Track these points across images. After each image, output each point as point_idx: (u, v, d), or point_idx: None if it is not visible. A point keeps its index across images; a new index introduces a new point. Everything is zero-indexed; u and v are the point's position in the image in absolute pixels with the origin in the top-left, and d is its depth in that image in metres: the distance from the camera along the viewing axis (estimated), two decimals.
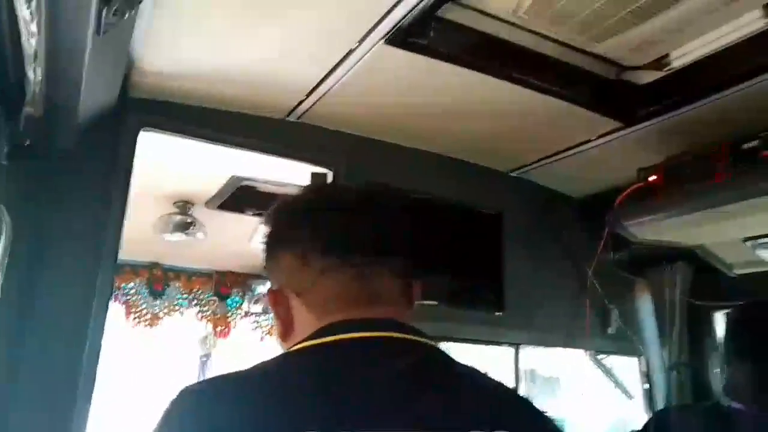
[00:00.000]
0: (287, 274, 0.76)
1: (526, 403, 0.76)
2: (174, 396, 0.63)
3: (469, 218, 1.85)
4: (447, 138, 1.69)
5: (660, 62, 1.35)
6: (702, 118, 1.40)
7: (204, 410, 0.61)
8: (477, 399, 0.68)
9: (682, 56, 1.30)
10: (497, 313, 1.82)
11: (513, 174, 1.90)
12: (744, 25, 1.19)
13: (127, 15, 0.92)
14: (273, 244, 0.79)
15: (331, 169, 1.60)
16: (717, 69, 1.30)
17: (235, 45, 1.25)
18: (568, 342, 1.98)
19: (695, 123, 1.43)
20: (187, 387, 0.64)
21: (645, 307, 2.03)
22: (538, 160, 1.78)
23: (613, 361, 2.09)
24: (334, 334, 0.69)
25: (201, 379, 2.48)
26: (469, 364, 0.75)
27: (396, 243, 0.79)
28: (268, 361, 0.67)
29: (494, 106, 1.48)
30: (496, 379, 0.76)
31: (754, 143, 1.30)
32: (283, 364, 0.68)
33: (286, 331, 0.76)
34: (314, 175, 1.61)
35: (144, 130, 1.41)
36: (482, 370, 0.76)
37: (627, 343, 2.01)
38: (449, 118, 1.57)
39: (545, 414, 0.74)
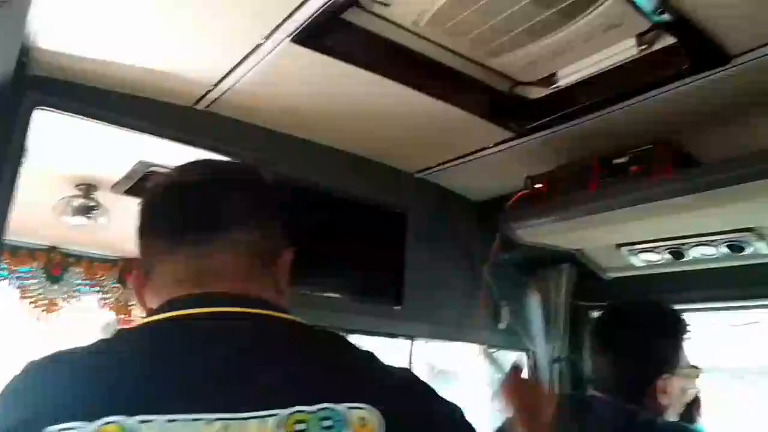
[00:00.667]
0: (140, 255, 0.77)
1: (403, 380, 0.71)
2: (20, 367, 0.63)
3: (375, 215, 1.92)
4: (355, 137, 1.74)
5: (548, 80, 1.47)
6: (584, 133, 1.54)
7: (36, 384, 0.61)
8: (326, 372, 0.65)
9: (567, 76, 1.42)
10: (396, 307, 1.91)
11: (418, 175, 1.98)
12: (620, 52, 1.33)
13: None
14: (137, 227, 0.79)
15: (238, 161, 1.62)
16: (597, 89, 1.43)
17: (141, 29, 1.24)
18: (462, 336, 2.10)
19: (578, 137, 1.56)
20: (32, 360, 0.64)
21: (533, 305, 2.19)
22: (441, 164, 1.88)
23: (503, 355, 2.23)
24: (169, 311, 0.68)
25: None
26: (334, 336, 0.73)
27: (241, 217, 0.76)
28: (108, 338, 0.67)
29: (398, 109, 1.55)
30: (372, 356, 0.72)
31: (624, 159, 1.45)
32: (115, 342, 0.67)
33: (145, 310, 0.76)
34: None
35: (39, 109, 1.37)
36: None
37: (516, 338, 2.16)
38: (356, 118, 1.63)
39: (430, 393, 0.71)
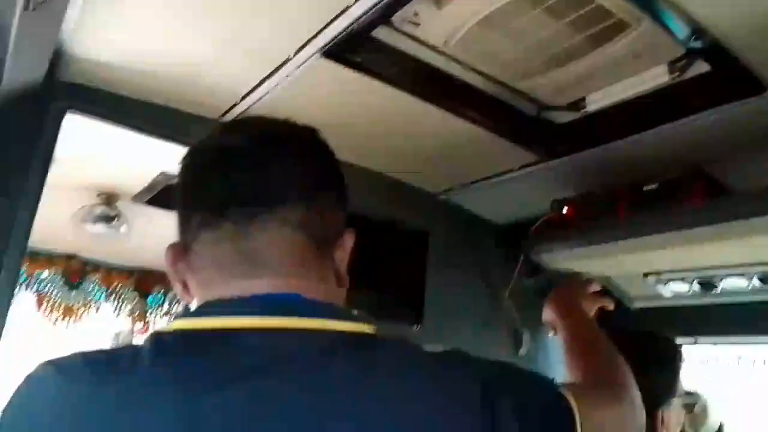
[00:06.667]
0: (177, 227, 0.66)
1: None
2: (37, 366, 0.56)
3: (396, 234, 1.90)
4: (379, 154, 1.74)
5: (577, 105, 1.45)
6: (612, 158, 1.51)
7: (51, 385, 0.54)
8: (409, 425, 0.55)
9: (596, 101, 1.40)
10: (414, 326, 1.87)
11: (440, 196, 1.96)
12: (651, 79, 1.31)
13: None
14: (174, 196, 0.68)
15: None
16: (627, 116, 1.40)
17: (170, 41, 1.26)
18: None
19: (606, 162, 1.54)
20: (50, 359, 0.56)
21: None
22: (464, 185, 1.86)
23: None
24: (201, 316, 0.59)
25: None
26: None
27: (295, 191, 0.63)
28: (138, 345, 0.57)
29: (424, 128, 1.55)
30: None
31: (654, 186, 1.42)
32: (144, 352, 0.56)
33: (184, 292, 0.66)
34: None
35: (71, 113, 1.38)
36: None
37: (536, 365, 2.11)
38: (381, 135, 1.62)
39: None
